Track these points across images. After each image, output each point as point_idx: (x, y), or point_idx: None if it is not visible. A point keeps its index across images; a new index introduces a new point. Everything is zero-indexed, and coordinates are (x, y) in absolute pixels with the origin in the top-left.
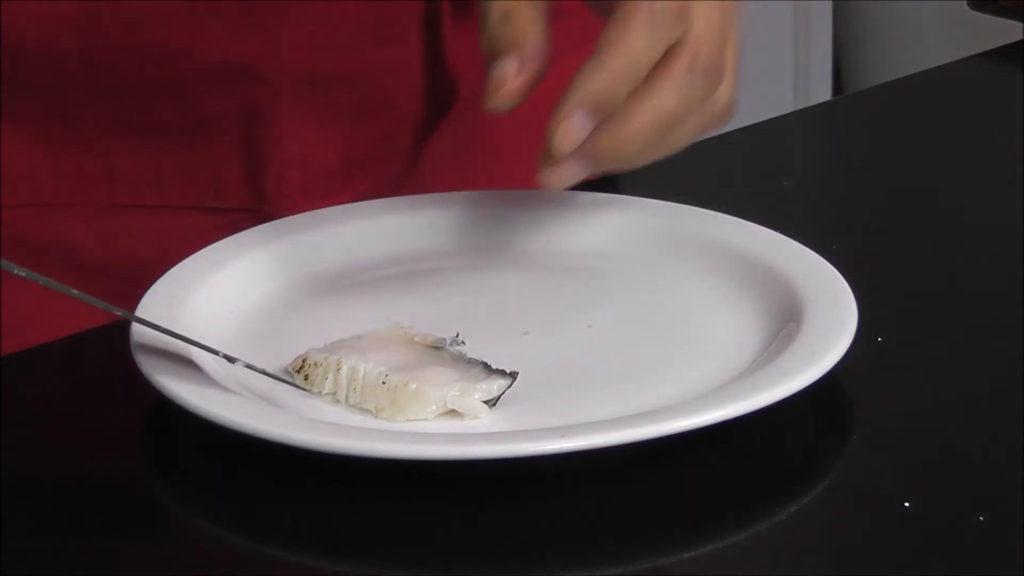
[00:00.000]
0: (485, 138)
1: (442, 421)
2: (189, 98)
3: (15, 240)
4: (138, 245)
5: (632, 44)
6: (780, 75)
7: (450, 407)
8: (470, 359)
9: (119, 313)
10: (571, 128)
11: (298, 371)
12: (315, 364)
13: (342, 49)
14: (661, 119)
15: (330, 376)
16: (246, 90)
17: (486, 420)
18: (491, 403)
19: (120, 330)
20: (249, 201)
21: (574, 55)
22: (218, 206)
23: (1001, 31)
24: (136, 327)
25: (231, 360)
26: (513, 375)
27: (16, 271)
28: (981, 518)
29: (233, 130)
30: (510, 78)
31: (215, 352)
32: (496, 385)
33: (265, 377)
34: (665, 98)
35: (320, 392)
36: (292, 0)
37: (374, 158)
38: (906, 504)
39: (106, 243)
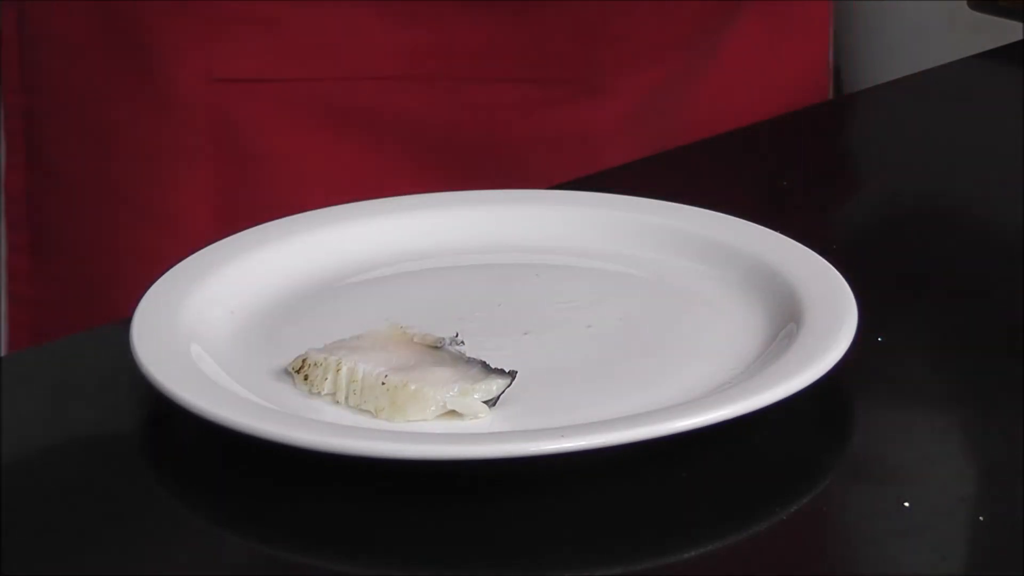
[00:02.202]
0: (756, 43)
1: (442, 421)
2: None
3: (355, 112)
4: (468, 118)
5: None
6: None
7: (450, 407)
8: (469, 359)
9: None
10: None
11: (298, 371)
12: (315, 364)
13: None
14: None
15: (330, 376)
16: None
17: (486, 420)
18: (491, 403)
19: (120, 330)
20: (576, 72)
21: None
22: (549, 77)
23: (1001, 31)
24: (136, 327)
25: None
26: (512, 375)
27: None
28: (981, 518)
29: (567, 4)
30: None
31: None
32: (495, 385)
33: (265, 377)
34: None
35: (320, 392)
36: None
37: (680, 39)
38: (906, 504)
39: (438, 114)
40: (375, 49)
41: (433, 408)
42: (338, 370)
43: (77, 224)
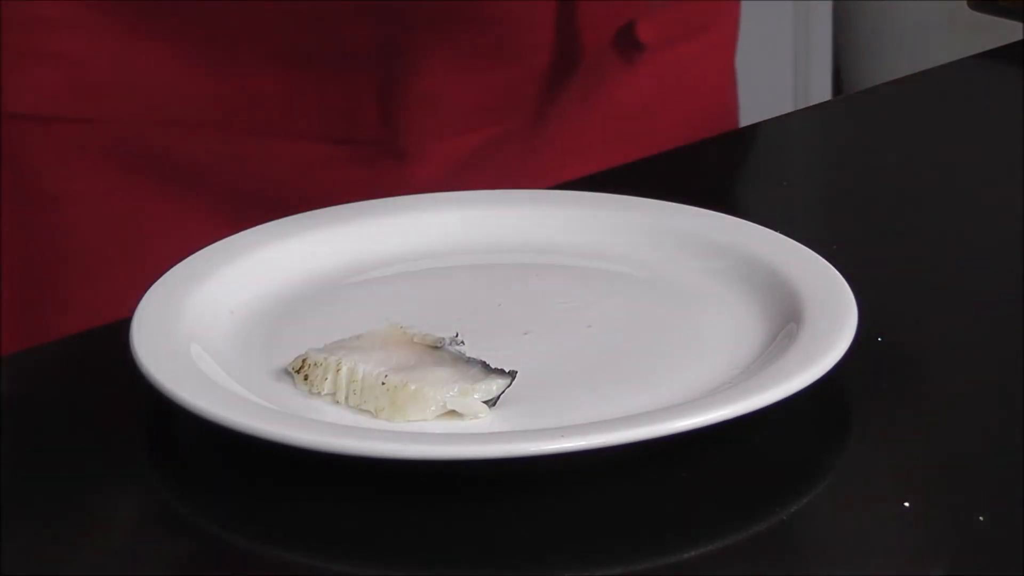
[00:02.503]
0: (610, 101)
1: (442, 421)
2: (327, 27)
3: (153, 156)
4: (270, 170)
5: None
6: (780, 75)
7: (450, 407)
8: (469, 359)
9: None
10: None
11: (298, 371)
12: (315, 364)
13: None
14: None
15: (329, 377)
16: (385, 23)
17: (486, 420)
18: (491, 403)
19: (120, 330)
20: (382, 134)
21: (695, 40)
22: (351, 137)
23: (1001, 31)
24: (136, 327)
25: None
26: (512, 375)
27: None
28: (981, 518)
29: (370, 62)
30: None
31: None
32: (495, 385)
33: (265, 377)
34: None
35: (320, 392)
36: None
37: (503, 105)
38: (906, 504)
39: (239, 165)
40: (176, 94)
41: (433, 408)
42: (338, 370)
43: None
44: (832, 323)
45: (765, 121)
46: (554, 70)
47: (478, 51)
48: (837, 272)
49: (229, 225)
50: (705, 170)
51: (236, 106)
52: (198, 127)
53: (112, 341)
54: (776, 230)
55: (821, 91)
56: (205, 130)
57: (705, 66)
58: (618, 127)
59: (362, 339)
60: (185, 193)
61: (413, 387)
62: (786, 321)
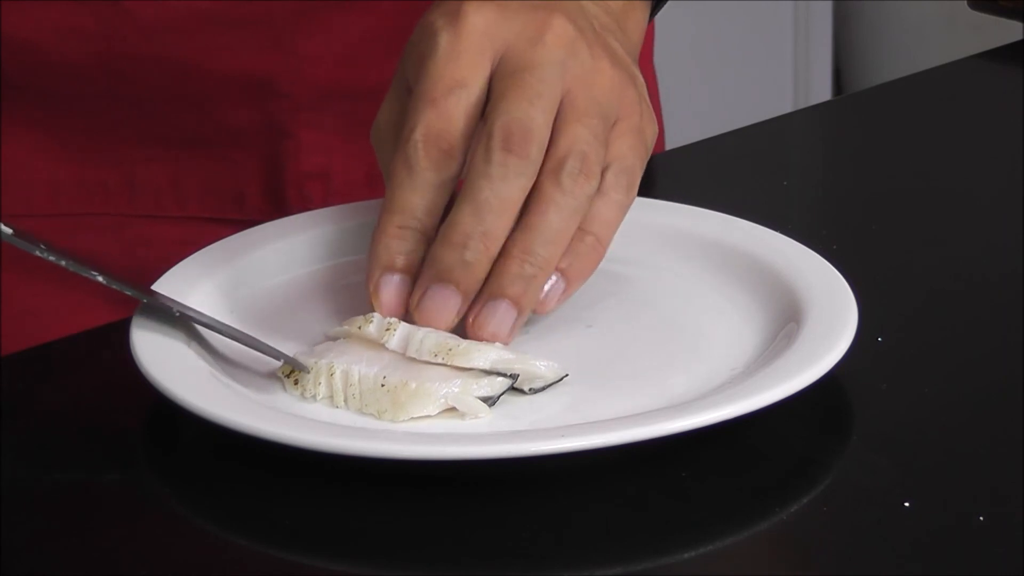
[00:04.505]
0: None
1: (442, 420)
2: (209, 110)
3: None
4: (158, 255)
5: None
6: (780, 75)
7: (450, 404)
8: None
9: (130, 293)
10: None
11: (287, 376)
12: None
13: (360, 63)
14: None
15: (323, 381)
16: (266, 103)
17: (486, 420)
18: (491, 402)
19: (120, 330)
20: (269, 213)
21: None
22: (238, 217)
23: (1001, 31)
24: (136, 327)
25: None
26: (513, 375)
27: (41, 253)
28: (981, 518)
29: (254, 142)
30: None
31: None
32: (496, 385)
33: (265, 377)
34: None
35: (315, 396)
36: (310, 15)
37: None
38: (906, 504)
39: (127, 252)
40: (51, 185)
41: (435, 403)
42: (331, 374)
43: None
44: (832, 323)
45: (765, 121)
46: None
47: (364, 124)
48: (837, 272)
49: (126, 310)
50: (705, 170)
51: (119, 193)
52: (82, 217)
53: (112, 341)
54: (776, 230)
55: (821, 91)
56: (89, 219)
57: None
58: None
59: (349, 338)
60: (77, 285)
61: (414, 385)
62: (786, 321)
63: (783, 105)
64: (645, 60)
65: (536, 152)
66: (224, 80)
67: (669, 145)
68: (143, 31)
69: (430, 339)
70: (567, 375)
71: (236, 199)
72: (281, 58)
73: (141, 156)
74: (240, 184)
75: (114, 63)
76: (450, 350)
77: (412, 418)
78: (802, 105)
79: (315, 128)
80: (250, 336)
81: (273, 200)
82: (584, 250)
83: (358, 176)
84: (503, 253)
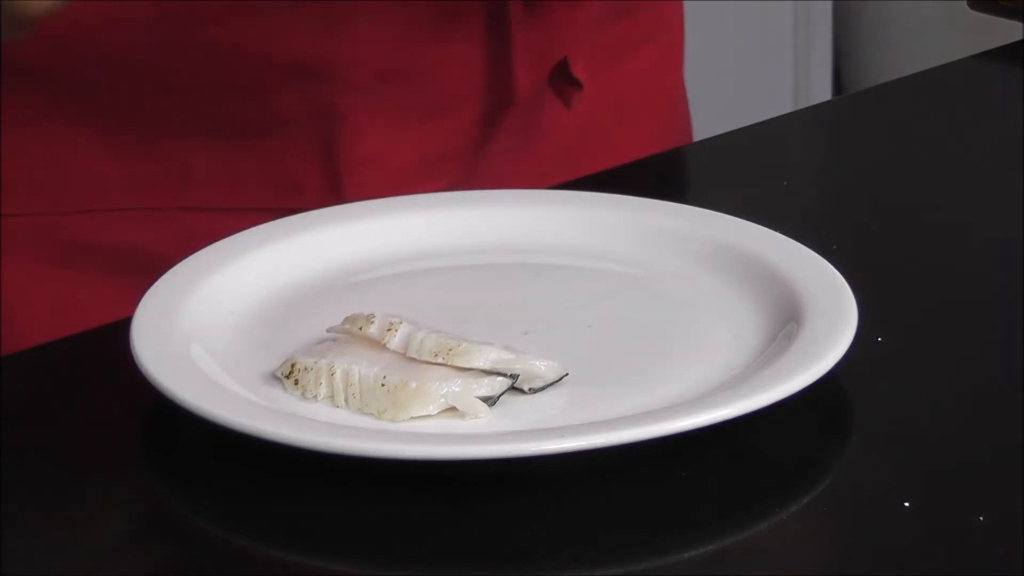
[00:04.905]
0: (546, 135)
1: (442, 420)
2: (263, 98)
3: (90, 246)
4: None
5: None
6: (780, 75)
7: (450, 404)
8: None
9: None
10: None
11: (287, 376)
12: (305, 369)
13: (411, 45)
14: None
15: (324, 381)
16: (320, 87)
17: (486, 420)
18: (491, 402)
19: (120, 330)
20: (324, 199)
21: (638, 53)
22: (293, 206)
23: (1001, 31)
24: (136, 327)
25: None
26: (513, 375)
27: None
28: (981, 518)
29: (308, 129)
30: None
31: None
32: (496, 385)
33: (265, 377)
34: None
35: (316, 397)
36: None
37: (445, 156)
38: (906, 504)
39: (180, 246)
40: (98, 180)
41: (436, 403)
42: (332, 374)
43: None
44: (832, 323)
45: (765, 121)
46: (489, 115)
47: (413, 107)
48: (837, 272)
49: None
50: (705, 170)
51: (172, 186)
52: (134, 211)
53: (112, 341)
54: (776, 230)
55: (821, 91)
56: (141, 214)
57: (652, 77)
58: (562, 156)
59: (350, 338)
60: (126, 279)
61: (414, 385)
62: (786, 321)
63: (783, 105)
64: (676, 74)
65: None
66: (278, 66)
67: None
68: (196, 21)
69: (430, 339)
70: (567, 375)
71: (291, 187)
72: (335, 41)
73: (193, 148)
74: (295, 171)
75: (166, 54)
76: (450, 350)
77: (412, 418)
78: (802, 105)
79: (369, 111)
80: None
81: (329, 186)
82: None
83: (410, 161)
84: None
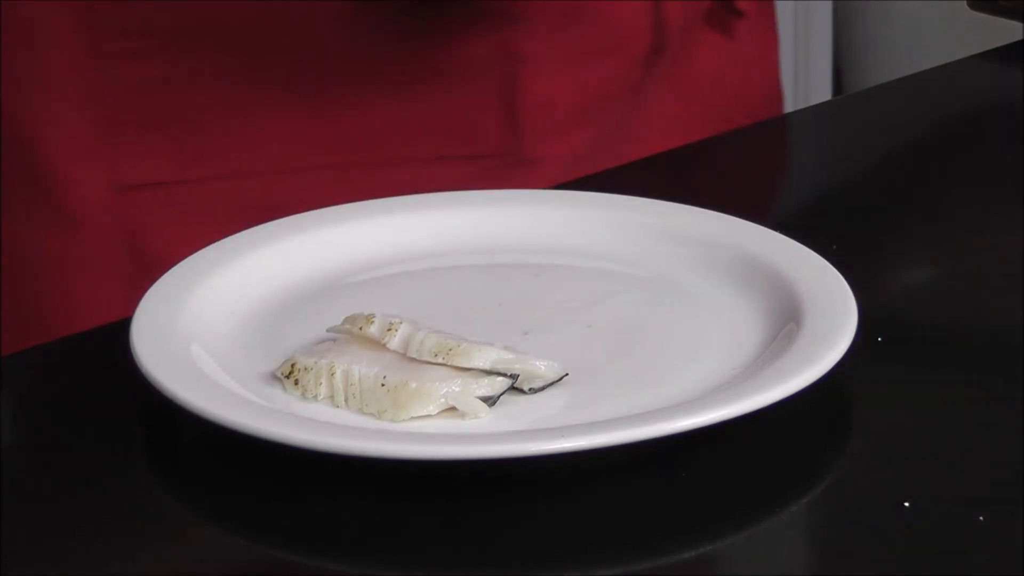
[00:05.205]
0: (695, 74)
1: (442, 420)
2: (448, 44)
3: (272, 205)
4: None
5: None
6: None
7: (451, 403)
8: None
9: None
10: None
11: (287, 376)
12: (305, 369)
13: None
14: None
15: (324, 380)
16: (502, 30)
17: (486, 420)
18: (491, 402)
19: (120, 330)
20: (504, 145)
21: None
22: (473, 153)
23: (1001, 31)
24: (136, 327)
25: None
26: (514, 375)
27: None
28: (981, 518)
29: (489, 73)
30: None
31: None
32: (496, 385)
33: (265, 377)
34: None
35: (316, 397)
36: None
37: (609, 97)
38: (906, 504)
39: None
40: (282, 141)
41: (436, 403)
42: (332, 374)
43: None
44: (832, 323)
45: (765, 121)
46: (650, 54)
47: (587, 47)
48: (837, 272)
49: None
50: (705, 170)
51: (349, 142)
52: (313, 170)
53: (112, 341)
54: (776, 230)
55: (821, 91)
56: (322, 172)
57: (758, 43)
58: (700, 100)
59: (349, 338)
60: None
61: (414, 385)
62: (786, 321)
63: (783, 105)
64: (772, 71)
65: None
66: (465, 9)
67: (668, 145)
68: None
69: (430, 339)
70: (567, 375)
71: (469, 134)
72: None
73: (371, 102)
74: (473, 119)
75: (348, 9)
76: (450, 350)
77: (412, 418)
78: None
79: (548, 52)
80: None
81: (507, 131)
82: None
83: (579, 102)
84: None
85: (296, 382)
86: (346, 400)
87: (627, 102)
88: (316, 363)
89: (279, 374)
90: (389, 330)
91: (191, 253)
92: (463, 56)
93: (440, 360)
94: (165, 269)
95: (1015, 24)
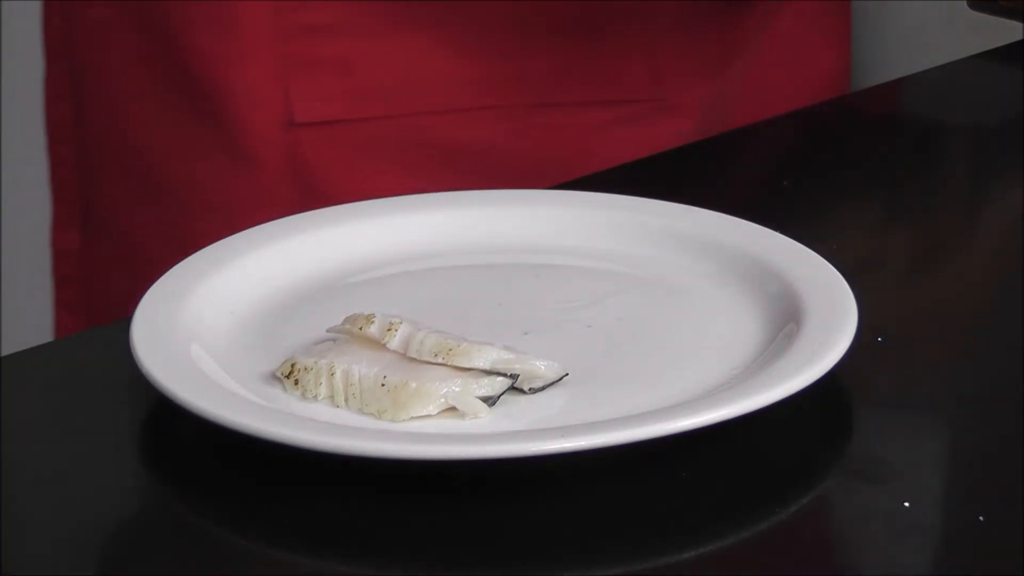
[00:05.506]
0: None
1: (442, 420)
2: None
3: (434, 146)
4: (543, 144)
5: None
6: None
7: (451, 403)
8: None
9: None
10: None
11: (287, 376)
12: (305, 369)
13: None
14: None
15: (324, 380)
16: None
17: (486, 420)
18: (491, 402)
19: (120, 330)
20: (647, 92)
21: None
22: (620, 98)
23: (1001, 31)
24: (136, 327)
25: None
26: (514, 375)
27: None
28: (981, 518)
29: (637, 19)
30: None
31: None
32: (496, 385)
33: (265, 377)
34: None
35: (316, 397)
36: None
37: (730, 40)
38: (906, 504)
39: (515, 142)
40: (446, 82)
41: (436, 403)
42: (332, 374)
43: (133, 282)
44: (832, 323)
45: (765, 121)
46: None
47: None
48: (837, 272)
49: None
50: (705, 170)
51: (504, 84)
52: (471, 111)
53: (112, 341)
54: (776, 230)
55: None
56: (477, 113)
57: (829, 17)
58: (785, 51)
59: (349, 339)
60: (465, 178)
61: (414, 385)
62: (786, 321)
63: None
64: (843, 39)
65: None
66: None
67: (668, 145)
68: None
69: (430, 339)
70: (567, 375)
71: (619, 80)
72: None
73: (531, 47)
74: (624, 64)
75: None
76: (450, 350)
77: (412, 418)
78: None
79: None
80: None
81: (651, 78)
82: None
83: (712, 47)
84: None
85: (296, 382)
86: (346, 400)
87: (744, 57)
88: (316, 363)
89: (279, 374)
90: (389, 330)
91: (357, 190)
92: (613, 9)
93: (440, 360)
94: (333, 205)
95: (1015, 24)
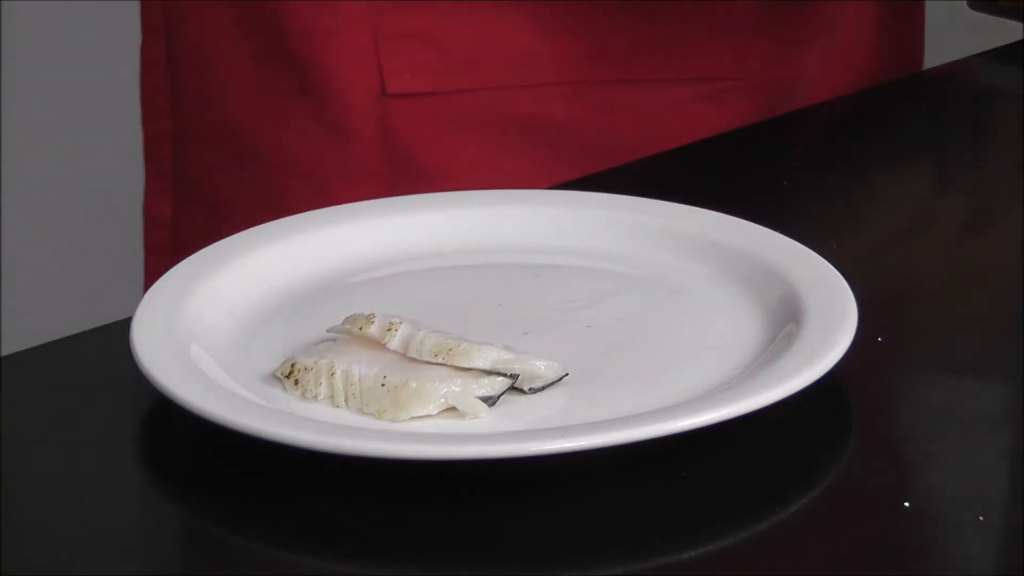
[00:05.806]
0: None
1: (442, 420)
2: None
3: (520, 120)
4: (629, 118)
5: None
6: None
7: (451, 403)
8: None
9: None
10: None
11: (287, 376)
12: (305, 369)
13: None
14: None
15: (324, 381)
16: None
17: (486, 420)
18: (491, 402)
19: (120, 330)
20: (729, 69)
21: None
22: (703, 76)
23: (1001, 31)
24: (136, 327)
25: None
26: (514, 375)
27: None
28: (981, 518)
29: (720, 3)
30: None
31: None
32: (496, 385)
33: (265, 377)
34: None
35: (316, 397)
36: None
37: (806, 38)
38: (906, 504)
39: (600, 117)
40: (530, 58)
41: (436, 403)
42: (332, 374)
43: None
44: (832, 323)
45: (765, 121)
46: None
47: None
48: (837, 272)
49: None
50: (705, 170)
51: (584, 60)
52: (552, 86)
53: (112, 341)
54: (776, 230)
55: None
56: (558, 88)
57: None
58: (861, 39)
59: (349, 339)
60: (546, 153)
61: (414, 384)
62: (786, 321)
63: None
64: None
65: None
66: None
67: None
68: None
69: (430, 339)
70: (567, 375)
71: (700, 58)
72: None
73: (610, 24)
74: (699, 43)
75: None
76: (450, 350)
77: (412, 418)
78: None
79: None
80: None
81: (729, 60)
82: None
83: (801, 35)
84: None
85: (296, 382)
86: (346, 400)
87: (820, 41)
88: (316, 363)
89: (279, 374)
90: (389, 330)
91: (444, 161)
92: None
93: (440, 360)
94: (422, 177)
95: (1015, 24)
